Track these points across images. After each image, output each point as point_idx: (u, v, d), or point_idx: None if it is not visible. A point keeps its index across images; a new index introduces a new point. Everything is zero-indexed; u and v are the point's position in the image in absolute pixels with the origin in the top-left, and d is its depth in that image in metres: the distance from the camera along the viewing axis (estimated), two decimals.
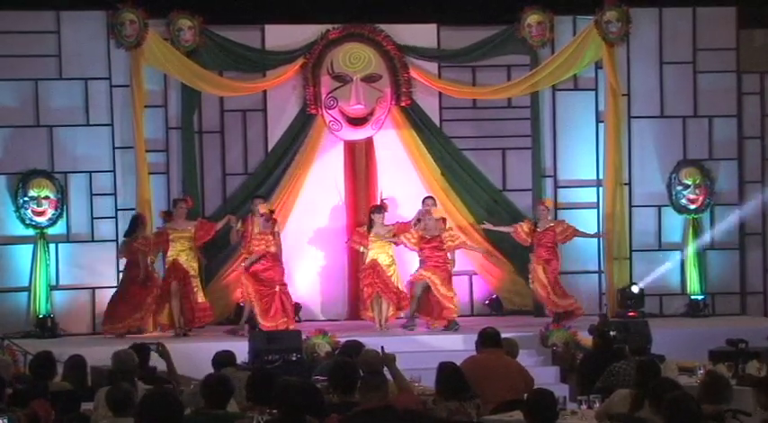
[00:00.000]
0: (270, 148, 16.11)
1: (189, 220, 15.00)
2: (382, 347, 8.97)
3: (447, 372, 8.46)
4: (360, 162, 16.21)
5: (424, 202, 15.22)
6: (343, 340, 13.10)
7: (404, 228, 15.10)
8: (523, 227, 15.06)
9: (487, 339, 9.76)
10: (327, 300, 16.23)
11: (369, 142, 16.21)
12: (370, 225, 15.06)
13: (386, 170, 16.22)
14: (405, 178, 16.15)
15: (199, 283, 14.96)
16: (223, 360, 9.62)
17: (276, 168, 16.04)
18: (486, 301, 16.39)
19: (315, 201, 16.15)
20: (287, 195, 15.95)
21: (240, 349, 11.86)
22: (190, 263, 14.86)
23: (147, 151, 15.46)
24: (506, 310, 16.27)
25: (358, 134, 16.14)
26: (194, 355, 11.96)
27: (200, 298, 14.95)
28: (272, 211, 14.93)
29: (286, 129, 16.09)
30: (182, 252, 14.84)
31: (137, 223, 14.85)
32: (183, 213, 14.95)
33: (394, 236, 14.93)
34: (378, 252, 14.92)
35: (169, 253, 14.84)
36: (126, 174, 15.57)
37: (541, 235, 14.95)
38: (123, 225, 15.18)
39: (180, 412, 6.14)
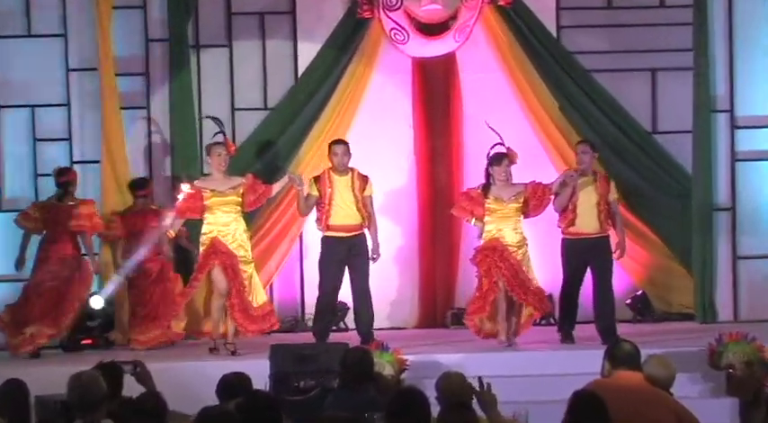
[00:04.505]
0: (300, 71, 13.69)
1: (231, 177, 12.01)
2: (480, 379, 7.67)
3: (587, 405, 7.43)
4: (436, 90, 13.72)
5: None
6: (411, 358, 11.00)
7: (541, 190, 12.29)
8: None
9: (622, 359, 8.31)
10: (390, 299, 13.72)
11: (450, 61, 13.70)
12: (488, 184, 12.16)
13: (474, 102, 13.59)
14: (504, 115, 13.29)
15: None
16: (232, 387, 8.18)
17: (310, 101, 13.54)
18: (628, 300, 13.72)
19: (370, 149, 13.32)
20: (328, 142, 13.12)
21: (261, 370, 10.03)
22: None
23: (117, 75, 13.23)
24: (658, 312, 13.85)
25: (434, 49, 13.64)
26: (196, 380, 10.12)
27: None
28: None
29: (325, 40, 13.59)
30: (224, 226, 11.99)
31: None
32: (222, 166, 11.79)
33: (525, 203, 12.14)
34: (500, 225, 11.98)
35: (205, 226, 11.83)
36: (85, 109, 13.34)
37: None
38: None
39: None
